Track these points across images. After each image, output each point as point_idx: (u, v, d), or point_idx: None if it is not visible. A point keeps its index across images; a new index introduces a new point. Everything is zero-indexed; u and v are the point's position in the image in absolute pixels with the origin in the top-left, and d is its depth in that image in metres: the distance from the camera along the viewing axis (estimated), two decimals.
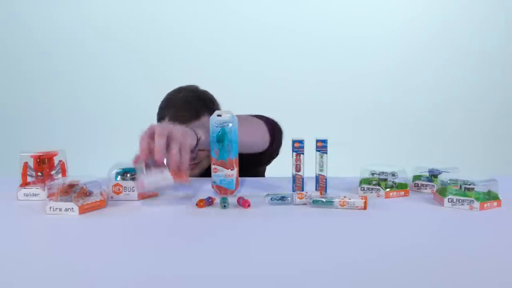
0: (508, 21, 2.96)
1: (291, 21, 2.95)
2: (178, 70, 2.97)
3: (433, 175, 0.97)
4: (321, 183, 0.94)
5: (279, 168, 1.30)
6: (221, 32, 2.90)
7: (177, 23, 3.00)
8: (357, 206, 0.81)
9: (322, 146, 0.92)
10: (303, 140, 0.93)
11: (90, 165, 2.05)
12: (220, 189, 0.94)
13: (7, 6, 3.14)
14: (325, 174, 0.93)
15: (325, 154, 0.93)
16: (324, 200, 0.83)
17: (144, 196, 0.93)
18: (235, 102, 3.19)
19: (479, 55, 2.98)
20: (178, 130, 0.81)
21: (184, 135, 0.81)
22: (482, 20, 2.95)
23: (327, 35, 2.93)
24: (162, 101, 1.32)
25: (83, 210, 0.81)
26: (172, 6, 3.01)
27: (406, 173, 0.95)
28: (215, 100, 1.30)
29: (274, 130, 1.14)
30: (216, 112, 0.91)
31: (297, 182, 0.94)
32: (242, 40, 2.90)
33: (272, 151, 1.15)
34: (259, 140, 1.08)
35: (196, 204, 0.84)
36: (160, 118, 1.28)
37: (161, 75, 2.98)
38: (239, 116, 0.93)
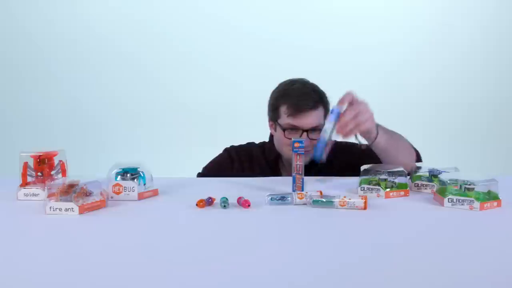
0: (508, 21, 2.96)
1: (291, 21, 2.95)
2: (178, 71, 2.98)
3: (433, 175, 0.97)
4: (298, 182, 0.94)
5: None
6: (221, 32, 2.90)
7: (177, 23, 3.00)
8: (357, 206, 0.81)
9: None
10: (303, 140, 0.93)
11: (90, 165, 2.05)
12: None
13: (7, 6, 3.14)
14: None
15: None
16: (324, 200, 0.83)
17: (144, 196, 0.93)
18: (235, 102, 3.18)
19: (479, 55, 2.97)
20: (367, 113, 1.02)
21: (368, 119, 1.02)
22: (482, 20, 2.95)
23: (327, 35, 2.93)
24: (276, 92, 1.33)
25: (83, 210, 0.81)
26: (172, 6, 3.01)
27: (406, 173, 0.95)
28: (326, 94, 1.32)
29: (418, 159, 1.26)
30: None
31: (297, 182, 0.94)
32: (242, 40, 2.90)
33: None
34: (407, 163, 1.12)
35: (196, 204, 0.84)
36: (275, 108, 1.30)
37: (161, 76, 2.98)
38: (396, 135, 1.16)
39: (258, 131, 1.48)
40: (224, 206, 0.83)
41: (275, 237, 0.68)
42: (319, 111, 1.25)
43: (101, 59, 3.07)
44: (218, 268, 0.55)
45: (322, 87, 1.33)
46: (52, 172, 0.98)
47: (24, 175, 0.95)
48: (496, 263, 0.56)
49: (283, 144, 1.29)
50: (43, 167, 0.96)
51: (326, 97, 1.29)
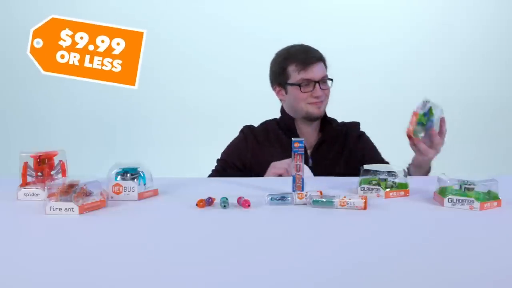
0: (508, 21, 2.95)
1: (291, 21, 2.95)
2: (179, 71, 2.97)
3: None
4: (298, 182, 0.94)
5: None
6: (221, 32, 2.90)
7: (177, 23, 3.00)
8: (357, 206, 0.81)
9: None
10: (303, 140, 0.93)
11: (90, 165, 2.05)
12: None
13: (7, 6, 3.15)
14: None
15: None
16: (324, 200, 0.83)
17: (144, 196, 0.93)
18: (235, 103, 3.17)
19: (479, 55, 2.97)
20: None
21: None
22: (482, 20, 2.95)
23: (327, 35, 2.93)
24: (278, 57, 1.44)
25: (83, 210, 0.81)
26: (172, 6, 3.01)
27: (406, 173, 0.95)
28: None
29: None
30: None
31: (297, 182, 0.94)
32: (243, 40, 2.89)
33: None
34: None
35: (196, 204, 0.84)
36: (282, 70, 1.40)
37: (161, 76, 2.98)
38: None
39: None
40: (224, 206, 0.83)
41: (275, 237, 0.68)
42: (323, 64, 1.39)
43: None
44: (218, 268, 0.55)
45: None
46: (52, 172, 0.98)
47: (24, 175, 0.95)
48: (496, 263, 0.56)
49: (299, 100, 1.38)
50: (43, 167, 0.96)
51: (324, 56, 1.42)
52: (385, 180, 0.93)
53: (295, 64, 1.36)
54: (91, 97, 3.11)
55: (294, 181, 0.94)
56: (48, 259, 0.60)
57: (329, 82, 1.38)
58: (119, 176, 0.93)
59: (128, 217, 0.81)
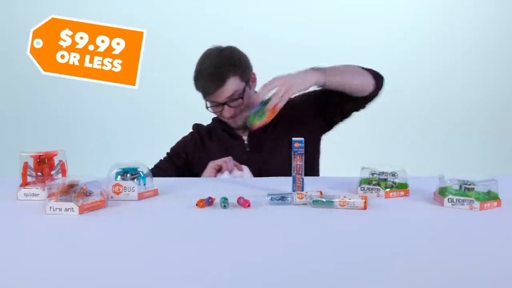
0: (509, 21, 2.95)
1: (291, 21, 2.95)
2: (179, 71, 2.97)
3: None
4: (298, 182, 0.94)
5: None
6: (221, 32, 2.90)
7: (177, 23, 3.00)
8: (357, 206, 0.81)
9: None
10: (303, 140, 0.93)
11: (90, 165, 2.05)
12: None
13: (7, 6, 3.15)
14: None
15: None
16: (324, 200, 0.83)
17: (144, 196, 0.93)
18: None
19: (479, 55, 2.97)
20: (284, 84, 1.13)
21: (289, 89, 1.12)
22: (482, 20, 2.95)
23: (327, 34, 2.93)
24: (195, 70, 1.41)
25: (83, 210, 0.81)
26: (172, 6, 3.01)
27: (406, 173, 0.95)
28: (243, 57, 1.42)
29: (377, 77, 1.35)
30: None
31: (297, 182, 0.94)
32: (243, 40, 2.89)
33: (375, 95, 1.36)
34: (366, 85, 1.32)
35: (196, 204, 0.84)
36: (197, 88, 1.39)
37: (161, 76, 2.98)
38: (345, 66, 1.31)
39: None
40: (224, 206, 0.83)
41: (275, 237, 0.68)
42: (230, 82, 1.31)
43: None
44: (218, 268, 0.55)
45: None
46: (52, 172, 0.98)
47: (24, 175, 0.95)
48: (496, 263, 0.56)
49: (219, 116, 1.40)
50: (43, 167, 0.96)
51: (236, 64, 1.35)
52: (385, 180, 0.93)
53: (202, 91, 1.35)
54: (91, 97, 3.11)
55: (294, 181, 0.94)
56: (48, 259, 0.60)
57: (245, 91, 1.33)
58: (119, 176, 0.93)
59: (128, 217, 0.81)
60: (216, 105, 1.34)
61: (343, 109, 1.39)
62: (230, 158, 1.28)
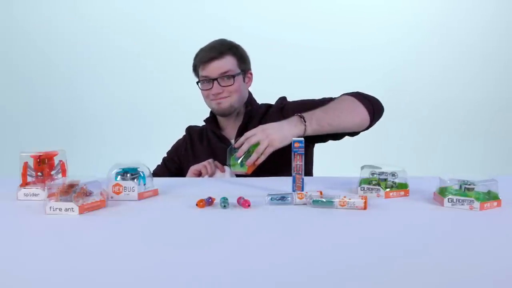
0: (508, 22, 2.95)
1: (291, 21, 2.95)
2: (179, 71, 2.97)
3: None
4: (298, 182, 0.94)
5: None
6: (222, 32, 2.90)
7: (178, 23, 3.00)
8: (357, 206, 0.81)
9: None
10: (303, 140, 0.93)
11: (90, 165, 2.05)
12: None
13: (7, 6, 3.14)
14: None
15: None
16: (324, 200, 0.83)
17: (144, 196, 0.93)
18: None
19: (480, 55, 2.97)
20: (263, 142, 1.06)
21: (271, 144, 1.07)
22: (481, 21, 2.95)
23: (327, 34, 2.93)
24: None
25: (83, 210, 0.81)
26: (172, 6, 3.01)
27: (406, 173, 0.95)
28: (241, 48, 1.44)
29: (373, 106, 1.27)
30: None
31: (297, 182, 0.94)
32: (243, 40, 2.89)
33: (371, 126, 1.30)
34: (359, 123, 1.25)
35: (196, 204, 0.84)
36: (194, 68, 1.43)
37: (162, 76, 2.98)
38: (335, 104, 1.22)
39: None
40: (224, 206, 0.83)
41: (275, 237, 0.68)
42: (227, 59, 1.35)
43: (102, 59, 3.07)
44: (218, 268, 0.55)
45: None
46: (52, 172, 0.98)
47: (24, 175, 0.95)
48: (496, 263, 0.56)
49: (204, 98, 1.41)
50: (43, 167, 0.96)
51: (238, 49, 1.41)
52: (385, 180, 0.93)
53: (198, 61, 1.38)
54: (91, 97, 3.12)
55: (294, 181, 0.94)
56: (48, 259, 0.60)
57: (239, 76, 1.35)
58: (119, 176, 0.93)
59: (128, 217, 0.81)
60: (207, 81, 1.35)
61: (335, 137, 1.34)
62: (210, 161, 1.29)
